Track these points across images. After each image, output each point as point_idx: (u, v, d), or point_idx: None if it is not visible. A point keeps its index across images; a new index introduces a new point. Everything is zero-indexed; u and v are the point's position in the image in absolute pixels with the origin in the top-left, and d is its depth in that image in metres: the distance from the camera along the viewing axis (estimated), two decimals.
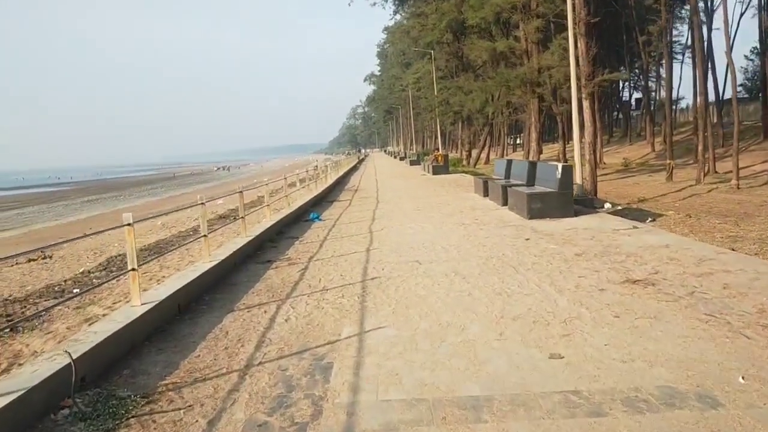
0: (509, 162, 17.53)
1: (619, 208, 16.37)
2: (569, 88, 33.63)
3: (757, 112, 42.99)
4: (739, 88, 59.44)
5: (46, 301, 9.18)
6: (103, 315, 7.17)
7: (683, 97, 55.64)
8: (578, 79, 18.57)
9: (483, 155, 50.49)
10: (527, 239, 9.88)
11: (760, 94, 58.17)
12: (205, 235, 7.90)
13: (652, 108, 51.78)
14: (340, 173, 35.91)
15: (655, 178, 29.68)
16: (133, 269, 5.59)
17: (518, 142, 78.34)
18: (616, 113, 68.94)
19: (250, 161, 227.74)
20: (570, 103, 36.82)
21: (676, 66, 51.48)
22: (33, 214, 39.56)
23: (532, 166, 14.80)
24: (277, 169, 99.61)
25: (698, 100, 23.49)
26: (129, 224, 5.57)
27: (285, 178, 14.98)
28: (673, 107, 52.46)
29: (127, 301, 6.04)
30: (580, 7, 19.01)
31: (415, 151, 69.96)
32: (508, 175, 17.02)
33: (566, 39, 25.08)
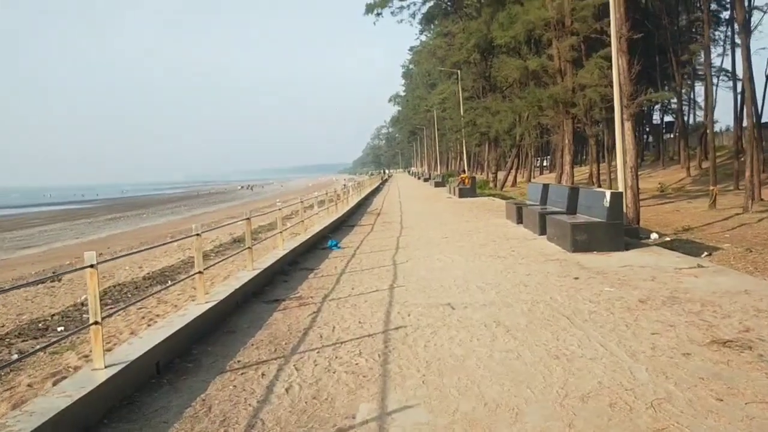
0: (545, 186, 16.20)
1: (667, 239, 14.89)
2: (603, 108, 32.26)
3: None
4: None
5: (23, 341, 8.10)
6: (76, 367, 6.02)
7: (717, 121, 53.40)
8: (620, 98, 17.24)
9: (510, 178, 49.04)
10: (576, 278, 8.53)
11: None
12: (200, 272, 6.73)
13: (686, 131, 49.90)
14: (363, 195, 34.81)
15: (695, 205, 27.99)
16: (96, 323, 4.42)
17: (545, 164, 76.80)
18: (646, 136, 67.01)
19: (274, 180, 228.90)
20: (602, 124, 35.40)
21: (705, 88, 49.52)
22: (55, 232, 39.29)
23: (574, 192, 13.46)
24: (301, 188, 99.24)
25: (747, 122, 21.96)
26: (91, 266, 4.40)
27: (302, 201, 13.83)
28: (706, 130, 50.53)
29: (90, 360, 4.85)
30: (621, 22, 17.74)
31: (439, 173, 68.72)
32: (544, 201, 15.66)
33: (603, 57, 23.84)
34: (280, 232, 11.01)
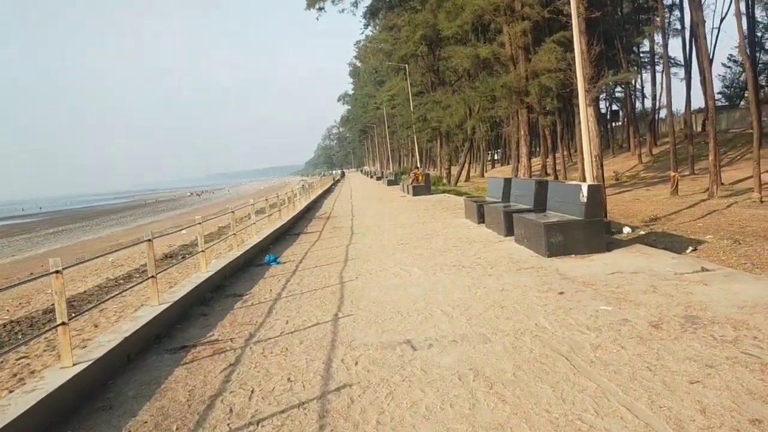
0: (507, 181, 14.72)
1: (642, 232, 13.62)
2: (554, 97, 31.22)
3: (743, 119, 41.20)
4: (718, 96, 58.13)
5: None
6: None
7: (661, 107, 53.71)
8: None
9: (463, 173, 47.86)
10: (561, 293, 6.97)
11: (740, 102, 56.96)
12: (63, 323, 4.83)
13: (635, 118, 49.80)
14: (312, 197, 32.89)
15: (654, 193, 27.19)
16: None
17: (496, 158, 76.44)
18: None
19: (225, 185, 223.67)
20: (554, 114, 34.45)
21: (652, 75, 49.56)
22: None
23: (542, 186, 11.99)
24: (251, 192, 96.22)
25: (709, 104, 21.08)
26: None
27: (232, 211, 11.87)
28: (655, 117, 50.62)
29: None
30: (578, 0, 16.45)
31: (392, 171, 67.23)
32: (507, 197, 14.18)
33: (557, 42, 22.64)
34: (202, 251, 9.10)
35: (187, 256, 16.30)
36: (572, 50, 14.68)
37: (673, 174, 23.70)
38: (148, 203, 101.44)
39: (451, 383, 4.46)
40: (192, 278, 8.69)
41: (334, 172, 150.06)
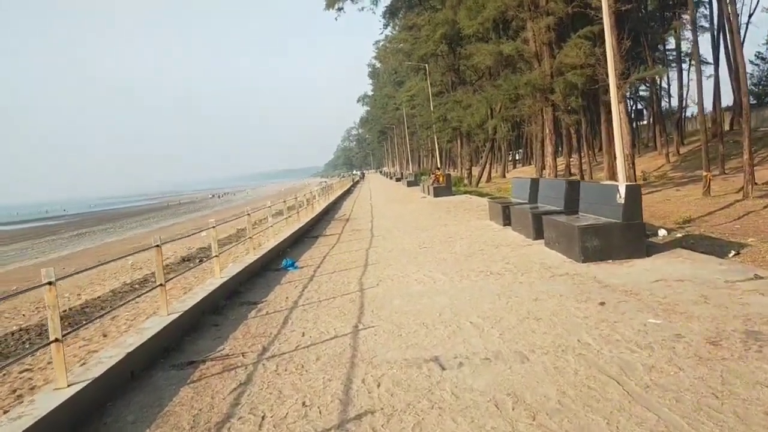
0: (534, 181, 14.10)
1: (678, 235, 12.92)
2: (579, 96, 30.37)
3: None
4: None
5: None
6: None
7: (688, 105, 52.45)
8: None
9: (484, 173, 47.09)
10: (602, 303, 6.38)
11: None
12: (57, 340, 4.38)
13: (662, 117, 48.59)
14: (331, 199, 32.47)
15: (684, 193, 26.24)
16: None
17: (517, 158, 75.46)
18: None
19: (246, 187, 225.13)
20: (578, 112, 33.56)
21: (678, 72, 48.38)
22: (15, 252, 36.41)
23: (573, 186, 11.38)
24: (271, 194, 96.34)
25: (743, 101, 20.17)
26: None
27: (248, 214, 11.40)
28: (682, 115, 49.39)
29: None
30: None
31: (412, 172, 66.65)
32: (534, 198, 13.56)
33: (583, 37, 21.91)
34: (216, 256, 8.66)
35: (204, 259, 15.96)
36: (600, 45, 14.04)
37: (705, 173, 22.77)
38: (171, 205, 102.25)
39: (487, 412, 3.92)
40: (205, 285, 8.25)
41: (354, 172, 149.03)
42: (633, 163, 14.88)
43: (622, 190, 8.75)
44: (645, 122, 66.15)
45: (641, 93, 66.72)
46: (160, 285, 6.51)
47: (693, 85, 48.27)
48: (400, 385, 4.53)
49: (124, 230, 49.58)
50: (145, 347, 5.61)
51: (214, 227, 8.71)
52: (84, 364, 5.15)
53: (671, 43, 49.21)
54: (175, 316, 6.56)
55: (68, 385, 4.41)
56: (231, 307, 7.93)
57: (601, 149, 51.01)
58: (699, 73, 23.53)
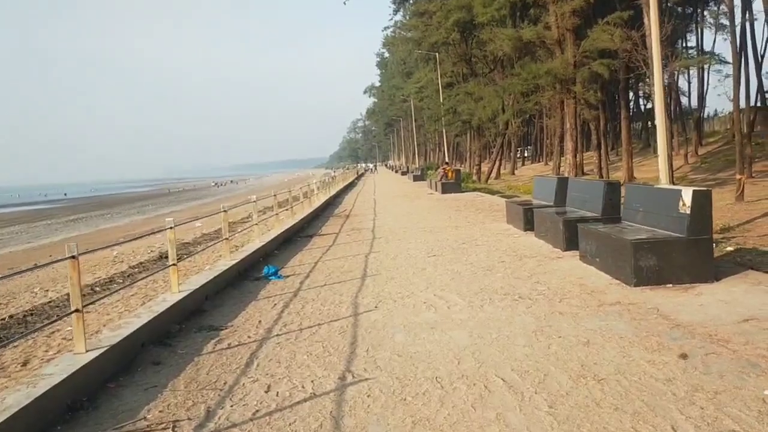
0: (563, 181, 12.28)
1: (729, 248, 11.07)
2: (599, 89, 28.44)
3: None
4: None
5: None
6: None
7: (705, 106, 50.38)
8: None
9: (494, 169, 45.18)
10: (683, 356, 4.58)
11: None
12: (78, 310, 2.59)
13: (683, 116, 46.60)
14: (332, 192, 30.69)
15: (713, 197, 24.43)
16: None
17: (525, 155, 73.56)
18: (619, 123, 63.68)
19: (250, 176, 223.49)
20: (597, 108, 31.63)
21: (698, 70, 46.23)
22: (10, 236, 34.92)
23: (612, 189, 9.58)
24: (275, 184, 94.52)
25: None
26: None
27: (225, 211, 9.54)
28: (701, 115, 47.37)
29: None
30: None
31: (418, 166, 64.71)
32: (561, 201, 11.75)
33: (611, 23, 20.01)
34: (173, 265, 6.87)
35: (183, 257, 14.20)
36: (638, 28, 12.19)
37: (739, 177, 20.86)
38: (172, 192, 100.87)
39: None
40: (153, 304, 6.47)
41: (366, 165, 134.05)
42: (671, 165, 13.01)
43: (688, 196, 6.93)
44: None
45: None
46: (76, 311, 4.73)
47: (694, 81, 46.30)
48: None
49: (121, 216, 48.24)
50: (34, 410, 3.84)
51: (171, 228, 6.91)
52: None
53: (692, 41, 47.12)
54: (99, 352, 4.80)
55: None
56: (185, 334, 6.16)
57: (613, 148, 49.11)
58: (738, 67, 21.51)
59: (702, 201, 6.86)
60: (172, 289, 6.93)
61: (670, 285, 6.80)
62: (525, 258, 9.35)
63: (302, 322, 6.36)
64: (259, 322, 6.52)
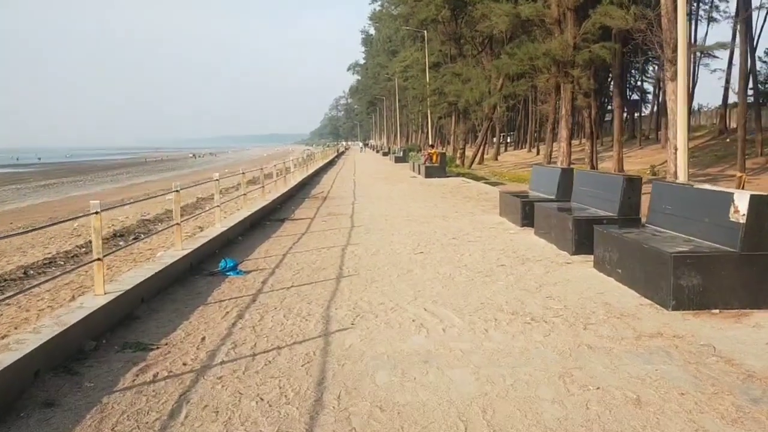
0: (567, 172, 10.98)
1: None
2: (592, 76, 27.16)
3: None
4: (751, 91, 53.92)
5: None
6: None
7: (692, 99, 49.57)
8: (666, 49, 12.09)
9: (479, 154, 43.88)
10: None
11: None
12: (99, 259, 1.40)
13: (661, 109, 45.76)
14: (310, 171, 29.12)
15: None
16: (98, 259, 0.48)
17: (509, 141, 72.62)
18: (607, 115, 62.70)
19: (230, 149, 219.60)
20: (589, 96, 30.38)
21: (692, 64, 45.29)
22: None
23: (633, 185, 8.27)
24: (255, 158, 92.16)
25: None
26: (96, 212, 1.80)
27: (177, 191, 8.02)
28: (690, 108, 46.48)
29: None
30: None
31: (400, 147, 63.16)
32: (565, 194, 10.44)
33: (615, 2, 18.64)
34: (98, 259, 5.38)
35: (140, 236, 12.64)
36: (655, 7, 10.82)
37: (739, 174, 19.87)
38: (149, 161, 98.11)
39: None
40: (68, 309, 4.98)
41: (348, 143, 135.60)
42: (686, 160, 11.70)
43: (743, 202, 5.61)
44: (645, 113, 63.42)
45: (645, 84, 63.87)
46: None
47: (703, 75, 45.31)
48: None
49: (94, 184, 46.35)
50: None
51: (97, 212, 5.39)
52: None
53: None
54: None
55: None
56: (103, 355, 4.70)
57: (598, 137, 48.19)
58: (744, 55, 20.35)
59: (761, 208, 5.54)
60: (96, 290, 5.44)
61: (716, 310, 5.51)
62: (528, 261, 8.01)
63: (257, 343, 4.94)
64: (202, 339, 5.08)
